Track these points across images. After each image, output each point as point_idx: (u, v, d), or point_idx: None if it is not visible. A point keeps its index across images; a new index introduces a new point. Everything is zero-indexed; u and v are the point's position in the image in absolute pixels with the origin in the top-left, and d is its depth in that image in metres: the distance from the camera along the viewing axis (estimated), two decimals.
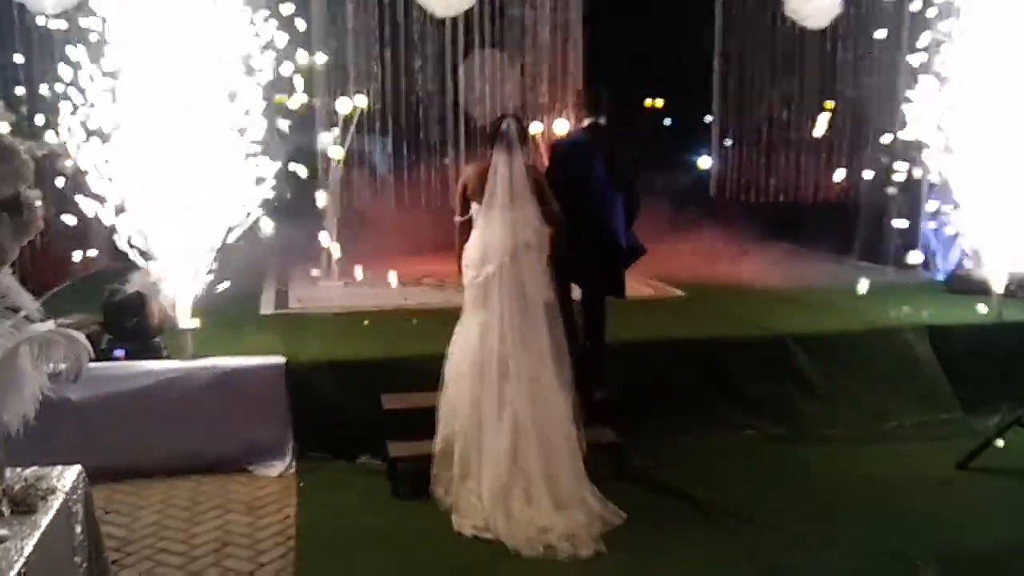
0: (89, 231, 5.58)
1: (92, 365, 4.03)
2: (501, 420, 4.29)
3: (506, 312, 4.34)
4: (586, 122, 5.23)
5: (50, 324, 4.60)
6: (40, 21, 6.50)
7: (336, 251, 7.66)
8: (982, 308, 6.46)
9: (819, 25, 9.03)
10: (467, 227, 4.53)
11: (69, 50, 5.06)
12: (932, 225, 7.54)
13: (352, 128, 7.63)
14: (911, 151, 7.11)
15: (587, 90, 5.93)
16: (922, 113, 6.64)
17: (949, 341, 6.11)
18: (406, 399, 5.01)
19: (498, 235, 4.36)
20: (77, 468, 2.88)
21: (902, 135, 7.03)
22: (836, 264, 8.75)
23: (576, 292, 5.22)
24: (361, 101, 7.76)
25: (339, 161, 7.64)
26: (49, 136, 5.34)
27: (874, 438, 5.53)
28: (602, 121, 5.20)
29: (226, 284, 5.29)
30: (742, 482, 4.91)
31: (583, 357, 4.92)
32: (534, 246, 4.40)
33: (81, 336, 3.11)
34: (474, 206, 4.47)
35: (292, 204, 7.21)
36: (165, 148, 5.02)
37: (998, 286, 6.52)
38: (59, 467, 2.84)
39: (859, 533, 4.25)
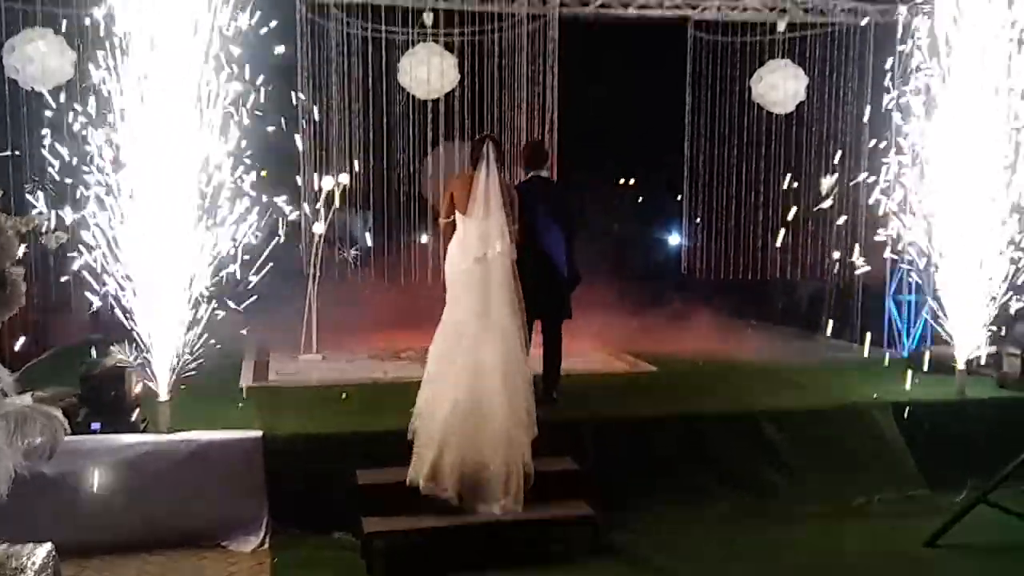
0: (70, 303, 5.63)
1: (68, 439, 4.06)
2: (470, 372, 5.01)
3: (478, 304, 5.12)
4: (530, 174, 6.07)
5: (27, 398, 4.63)
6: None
7: (315, 324, 7.74)
8: (946, 385, 6.63)
9: (785, 110, 9.41)
10: (450, 228, 5.32)
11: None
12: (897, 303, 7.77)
13: (335, 204, 7.80)
14: (877, 230, 7.36)
15: (531, 147, 6.52)
16: (887, 192, 6.90)
17: (914, 418, 6.25)
18: (382, 474, 5.04)
19: (474, 240, 5.16)
20: (48, 546, 2.89)
21: (868, 213, 7.29)
22: (804, 340, 8.94)
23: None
24: (344, 178, 7.95)
25: (321, 235, 7.78)
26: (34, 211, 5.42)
27: (843, 514, 5.61)
28: (543, 173, 6.23)
29: (204, 358, 5.34)
30: (716, 556, 4.96)
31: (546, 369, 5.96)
32: (502, 251, 5.16)
33: (58, 413, 3.15)
34: (457, 213, 5.24)
35: (273, 277, 7.33)
36: (142, 218, 5.10)
37: (961, 363, 6.70)
38: (30, 544, 2.84)
39: None
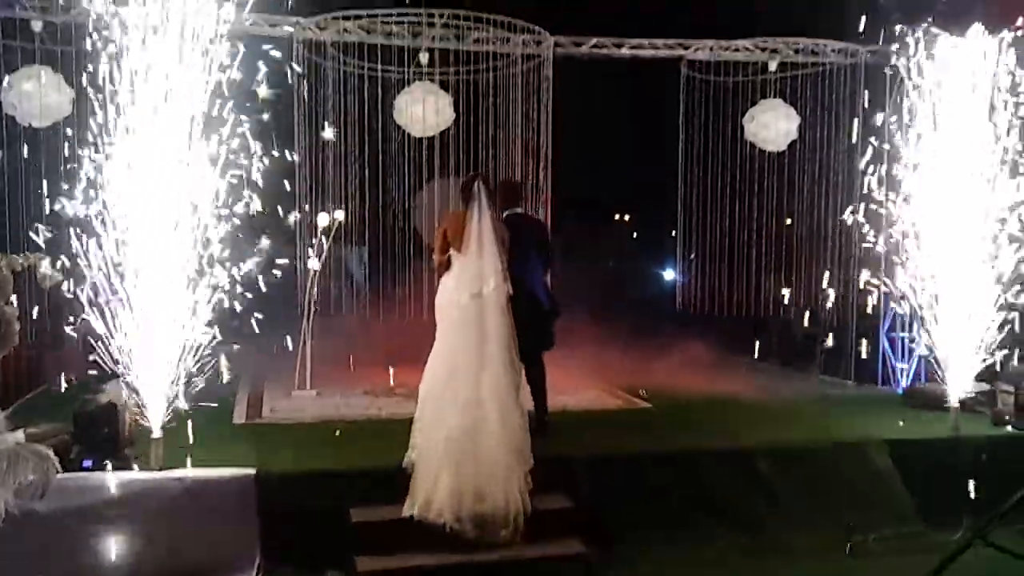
0: (64, 340, 5.63)
1: (60, 476, 4.04)
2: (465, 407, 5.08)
3: (471, 342, 5.18)
4: (506, 213, 6.02)
5: (19, 435, 4.61)
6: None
7: (309, 360, 7.73)
8: (940, 423, 6.64)
9: (778, 148, 9.51)
10: (444, 265, 5.43)
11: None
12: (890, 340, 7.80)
13: (330, 239, 7.84)
14: (870, 266, 7.41)
15: (506, 187, 6.59)
16: (879, 229, 6.97)
17: (909, 455, 6.24)
18: (376, 512, 5.01)
19: (470, 277, 5.26)
20: None
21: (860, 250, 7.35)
22: (798, 376, 8.95)
23: None
24: (340, 215, 8.00)
25: (316, 272, 7.80)
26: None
27: (839, 551, 5.57)
28: (519, 210, 6.34)
29: (199, 393, 5.32)
30: None
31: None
32: (496, 287, 5.24)
33: (50, 452, 3.14)
34: (452, 251, 5.34)
35: (267, 312, 7.34)
36: (135, 254, 5.11)
37: (955, 400, 6.72)
38: None
39: None
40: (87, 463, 5.14)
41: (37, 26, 7.79)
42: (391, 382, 7.95)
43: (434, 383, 5.26)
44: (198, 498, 5.09)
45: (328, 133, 8.26)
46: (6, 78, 7.82)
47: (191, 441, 5.51)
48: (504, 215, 5.95)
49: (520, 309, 5.46)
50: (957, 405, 6.70)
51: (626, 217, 13.68)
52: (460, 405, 5.07)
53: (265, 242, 5.84)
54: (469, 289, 5.24)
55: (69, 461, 4.90)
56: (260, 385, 7.96)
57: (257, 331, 5.75)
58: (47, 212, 5.26)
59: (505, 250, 5.39)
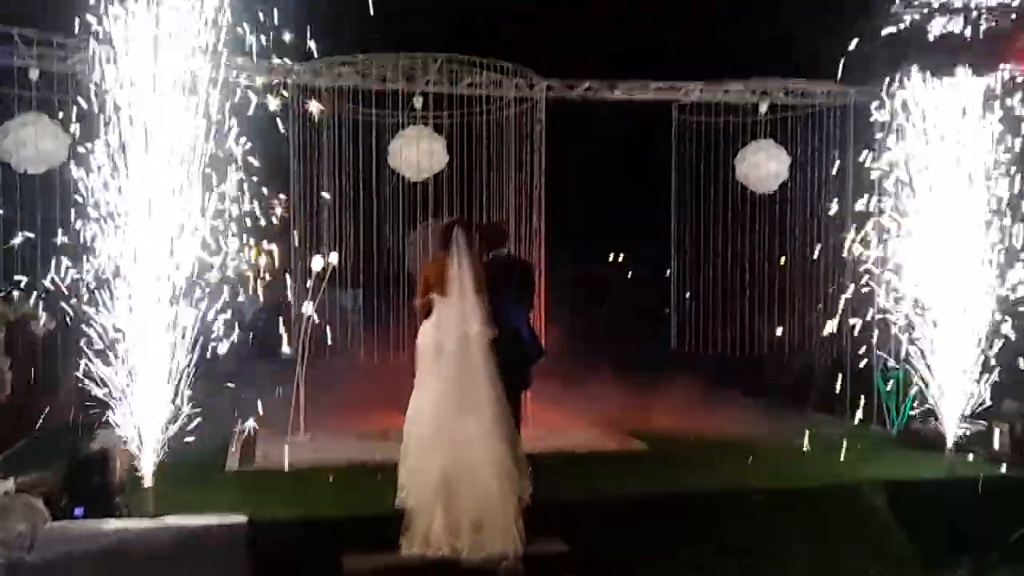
0: (56, 387, 5.62)
1: (50, 525, 4.01)
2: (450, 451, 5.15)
3: (457, 382, 5.28)
4: (491, 254, 6.06)
5: (9, 484, 4.58)
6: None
7: (303, 404, 7.71)
8: (936, 462, 6.62)
9: (768, 189, 9.60)
10: (425, 308, 5.55)
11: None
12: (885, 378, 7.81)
13: (324, 283, 7.86)
14: (863, 304, 7.45)
15: (490, 229, 6.59)
16: (873, 265, 7.01)
17: (905, 496, 6.21)
18: (369, 560, 4.97)
19: (452, 321, 5.38)
20: None
21: (853, 289, 7.40)
22: (794, 416, 8.94)
23: None
24: (333, 258, 8.03)
25: (310, 316, 7.81)
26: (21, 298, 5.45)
27: None
28: (504, 251, 6.36)
29: (191, 439, 5.30)
30: None
31: None
32: (479, 330, 5.34)
33: (39, 503, 3.13)
34: (434, 294, 5.47)
35: (260, 357, 7.34)
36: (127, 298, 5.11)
37: (950, 440, 6.71)
38: None
39: None
40: (79, 511, 5.09)
41: (34, 74, 7.87)
42: (384, 426, 7.90)
43: (420, 424, 5.32)
44: (190, 546, 5.04)
45: (325, 194, 8.36)
46: (2, 126, 7.88)
47: (183, 488, 5.48)
48: (491, 255, 6.05)
49: (504, 349, 5.52)
50: (952, 445, 6.69)
51: (620, 257, 13.73)
52: (449, 444, 5.15)
53: (260, 286, 5.86)
54: (455, 332, 5.35)
55: (60, 509, 4.86)
56: (253, 430, 7.91)
57: (248, 376, 5.74)
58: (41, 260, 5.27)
59: (485, 291, 5.49)
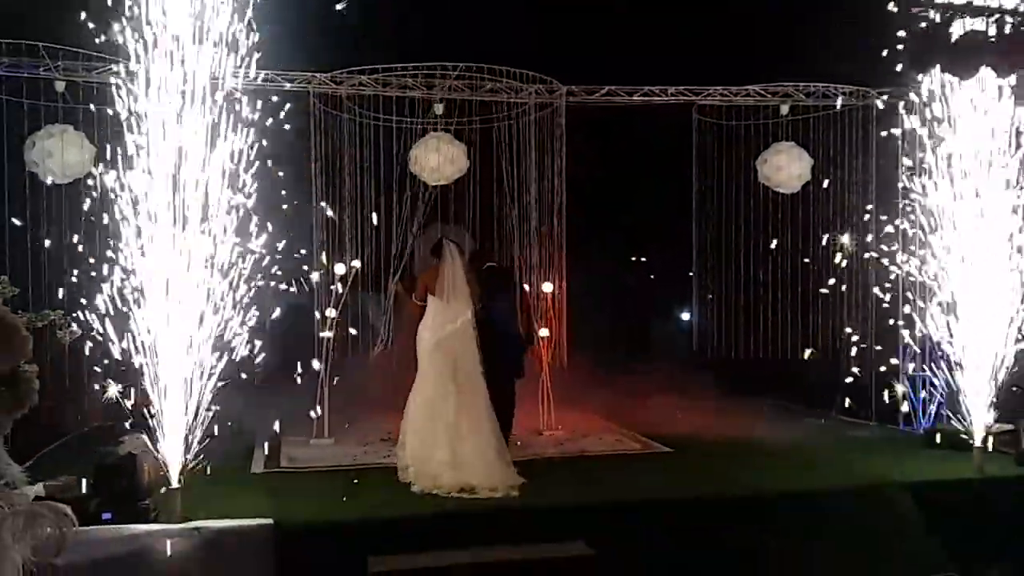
0: (84, 392, 5.67)
1: (78, 528, 4.04)
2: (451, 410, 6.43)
3: (451, 361, 6.57)
4: (487, 265, 7.54)
5: (38, 488, 4.61)
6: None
7: (327, 407, 7.75)
8: (964, 463, 6.54)
9: (791, 190, 9.53)
10: (417, 309, 6.82)
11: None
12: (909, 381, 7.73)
13: (347, 288, 7.91)
14: (891, 305, 7.38)
15: (480, 251, 7.60)
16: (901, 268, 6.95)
17: (934, 498, 6.14)
18: (393, 561, 4.97)
19: (446, 314, 6.67)
20: None
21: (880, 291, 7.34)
22: (819, 419, 8.87)
23: None
24: (356, 263, 8.08)
25: (335, 319, 7.86)
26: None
27: None
28: (493, 264, 7.72)
29: (216, 444, 5.35)
30: None
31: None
32: (466, 325, 6.64)
33: (67, 509, 3.15)
34: (430, 297, 6.74)
35: (285, 360, 7.39)
36: (155, 305, 5.17)
37: (978, 441, 6.62)
38: None
39: None
40: (106, 515, 5.15)
41: (60, 86, 7.98)
42: None
43: (419, 404, 6.50)
44: (217, 549, 5.08)
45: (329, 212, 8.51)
46: (28, 138, 8.00)
47: (210, 492, 5.53)
48: (485, 266, 7.42)
49: (495, 342, 6.71)
50: (980, 445, 6.61)
51: (643, 259, 13.67)
52: (449, 405, 6.38)
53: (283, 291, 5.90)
54: (448, 324, 6.62)
55: (88, 514, 4.91)
56: (278, 434, 7.96)
57: (275, 379, 5.77)
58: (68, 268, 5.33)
59: (473, 293, 6.73)
